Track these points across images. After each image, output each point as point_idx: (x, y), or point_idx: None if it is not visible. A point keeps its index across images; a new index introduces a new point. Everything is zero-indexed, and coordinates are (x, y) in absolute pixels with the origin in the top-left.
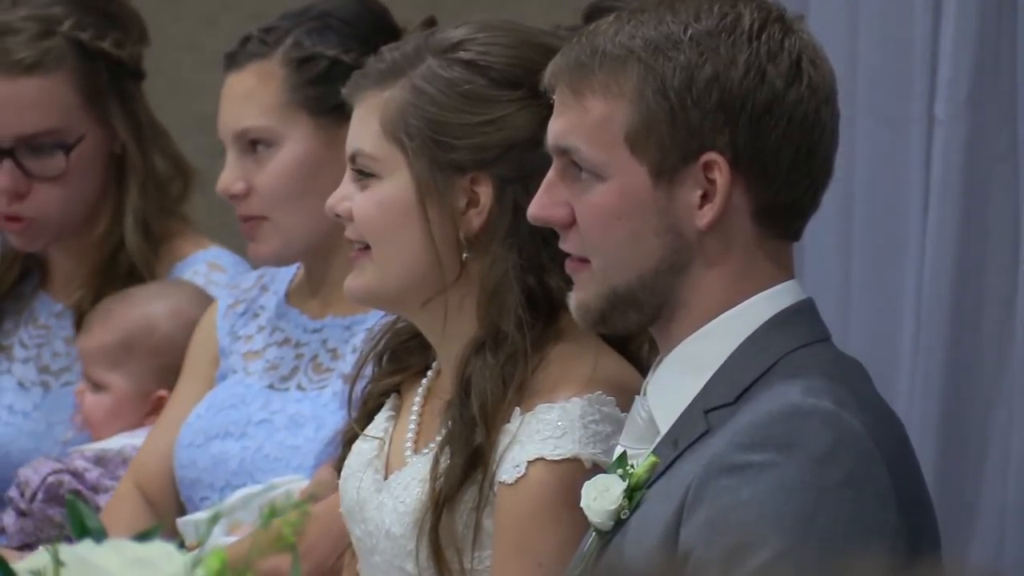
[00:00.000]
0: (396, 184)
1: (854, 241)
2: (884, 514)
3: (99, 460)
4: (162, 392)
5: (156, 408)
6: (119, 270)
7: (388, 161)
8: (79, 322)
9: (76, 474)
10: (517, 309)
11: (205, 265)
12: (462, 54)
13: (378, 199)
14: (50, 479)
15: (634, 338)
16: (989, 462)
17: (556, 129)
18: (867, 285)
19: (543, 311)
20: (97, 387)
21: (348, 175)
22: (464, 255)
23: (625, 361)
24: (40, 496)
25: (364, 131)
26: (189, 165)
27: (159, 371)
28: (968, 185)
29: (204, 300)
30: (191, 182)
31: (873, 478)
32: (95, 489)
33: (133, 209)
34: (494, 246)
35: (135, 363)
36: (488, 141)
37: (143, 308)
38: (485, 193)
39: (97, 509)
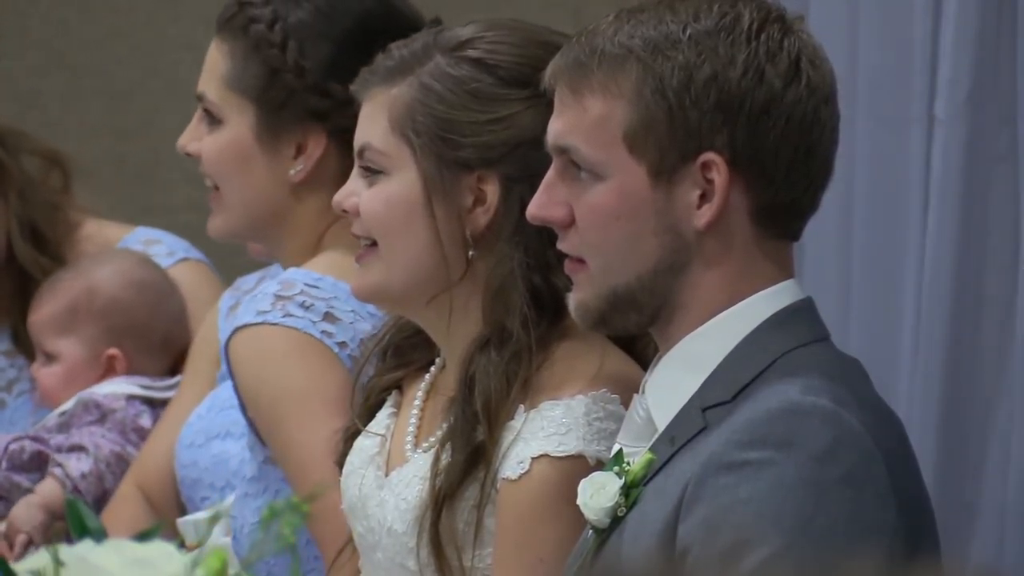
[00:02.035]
0: (403, 181)
1: (854, 241)
2: (883, 513)
3: (62, 425)
4: (112, 351)
5: (109, 369)
6: (35, 285)
7: (396, 157)
8: (15, 337)
9: (37, 439)
10: (523, 307)
11: (140, 244)
12: (470, 52)
13: (385, 195)
14: (12, 447)
15: (640, 337)
16: (989, 462)
17: (555, 129)
18: (867, 285)
19: (548, 309)
20: (49, 358)
21: (355, 171)
22: (470, 253)
23: (631, 359)
24: (4, 465)
25: (372, 127)
26: (60, 152)
27: (107, 333)
28: (968, 185)
29: (148, 262)
30: (68, 168)
31: (872, 477)
32: (59, 449)
33: (17, 218)
34: (500, 244)
35: (82, 327)
36: (495, 139)
37: (85, 275)
38: (492, 191)
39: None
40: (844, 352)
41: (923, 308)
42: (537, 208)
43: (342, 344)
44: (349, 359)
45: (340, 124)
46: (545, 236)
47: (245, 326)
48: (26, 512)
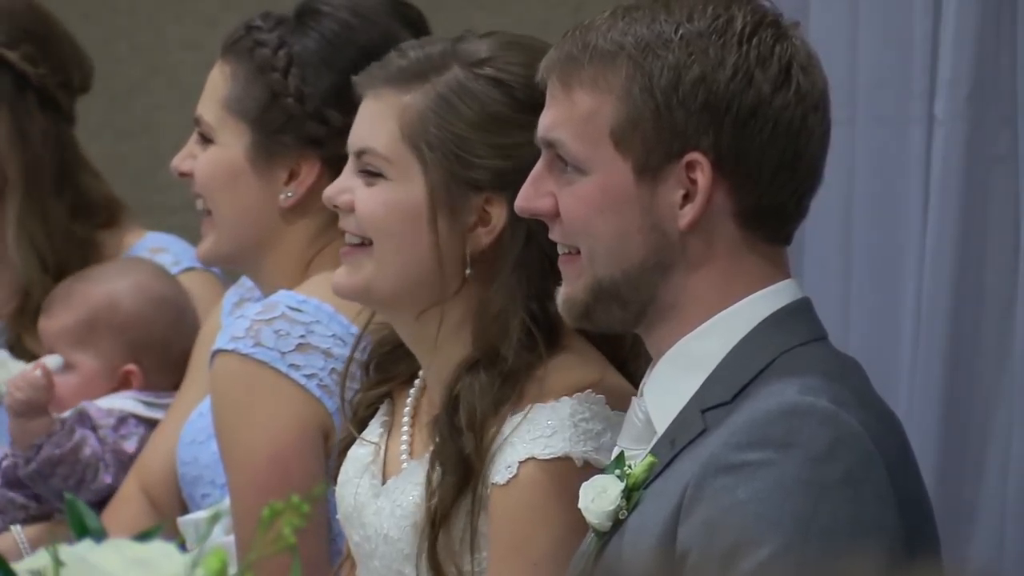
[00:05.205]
0: (408, 189)
1: (854, 241)
2: (882, 513)
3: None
4: (130, 367)
5: (124, 383)
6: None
7: (402, 166)
8: (13, 348)
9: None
10: (520, 335)
11: (147, 252)
12: (490, 71)
13: (386, 200)
14: (4, 463)
15: (632, 360)
16: (989, 462)
17: (545, 122)
18: (867, 285)
19: (543, 336)
20: (64, 367)
21: (350, 167)
22: (467, 271)
23: (624, 378)
24: None
25: (379, 130)
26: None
27: (126, 347)
28: (968, 185)
29: (165, 275)
30: None
31: (871, 477)
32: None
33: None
34: (503, 269)
35: (101, 340)
36: (509, 165)
37: (105, 286)
38: (497, 214)
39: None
40: (842, 352)
41: (923, 308)
42: (523, 200)
43: (311, 375)
44: (319, 388)
45: (335, 152)
46: (547, 265)
47: (219, 352)
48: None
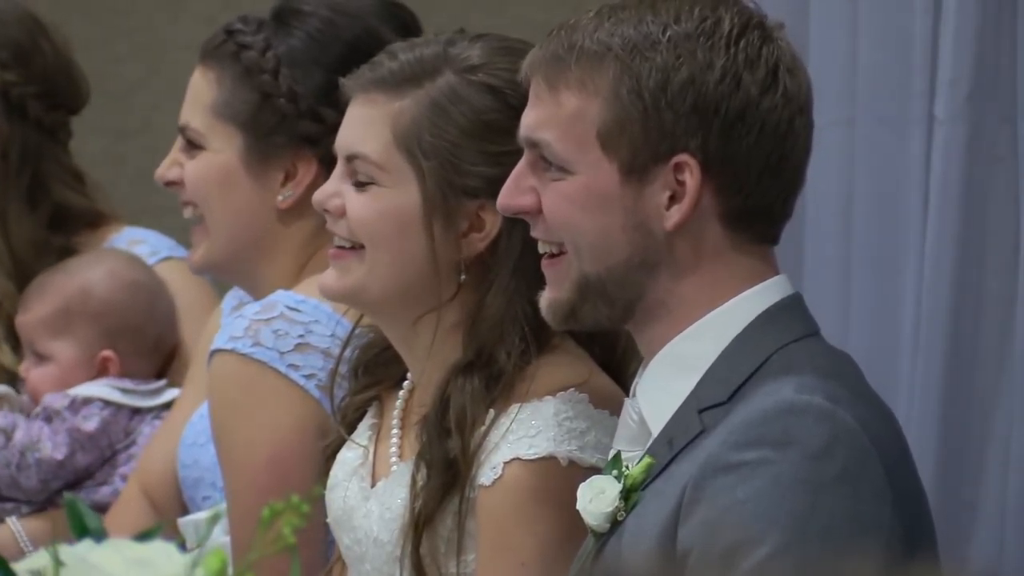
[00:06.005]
0: (401, 196)
1: (854, 241)
2: (880, 510)
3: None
4: (106, 353)
5: (102, 371)
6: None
7: (395, 173)
8: None
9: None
10: (515, 340)
11: (125, 245)
12: (484, 78)
13: (379, 206)
14: None
15: (622, 369)
16: (989, 462)
17: (528, 121)
18: (867, 285)
19: (536, 341)
20: (41, 359)
21: (339, 171)
22: (462, 277)
23: (610, 380)
24: None
25: (369, 136)
26: None
27: (102, 334)
28: (968, 185)
29: (138, 262)
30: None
31: (868, 474)
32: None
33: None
34: (501, 275)
35: (77, 329)
36: (503, 172)
37: (78, 275)
38: (492, 221)
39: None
40: (835, 347)
41: (923, 308)
42: (505, 198)
43: (310, 376)
44: (318, 389)
45: (330, 149)
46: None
47: (217, 351)
48: None
